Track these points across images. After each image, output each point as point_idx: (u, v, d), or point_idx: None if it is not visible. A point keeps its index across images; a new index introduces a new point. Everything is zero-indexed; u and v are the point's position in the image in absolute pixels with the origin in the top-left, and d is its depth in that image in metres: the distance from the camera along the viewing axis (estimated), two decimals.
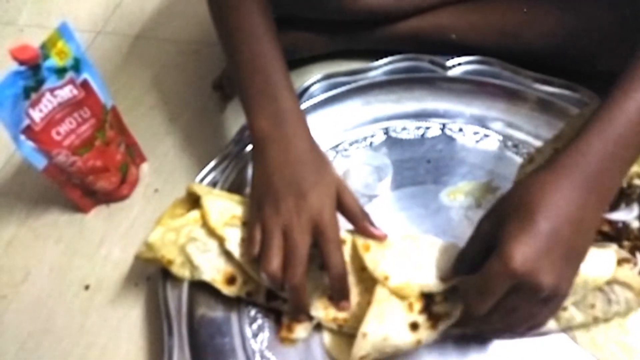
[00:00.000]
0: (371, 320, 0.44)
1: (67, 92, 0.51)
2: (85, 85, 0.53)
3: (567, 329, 0.46)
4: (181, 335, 0.46)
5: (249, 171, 0.57)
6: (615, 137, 0.40)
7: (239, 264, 0.48)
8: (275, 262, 0.43)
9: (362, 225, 0.47)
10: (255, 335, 0.48)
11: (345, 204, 0.47)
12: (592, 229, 0.41)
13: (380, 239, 0.47)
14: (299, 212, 0.44)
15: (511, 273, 0.37)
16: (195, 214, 0.49)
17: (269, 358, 0.47)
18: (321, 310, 0.46)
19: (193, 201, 0.51)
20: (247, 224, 0.48)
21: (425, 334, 0.44)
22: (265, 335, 0.48)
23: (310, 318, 0.47)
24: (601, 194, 0.40)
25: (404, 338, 0.44)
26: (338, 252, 0.45)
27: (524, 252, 0.37)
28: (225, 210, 0.49)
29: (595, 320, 0.45)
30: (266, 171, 0.46)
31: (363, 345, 0.43)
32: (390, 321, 0.44)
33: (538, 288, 0.38)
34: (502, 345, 0.46)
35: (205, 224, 0.48)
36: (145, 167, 0.62)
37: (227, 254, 0.48)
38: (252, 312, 0.49)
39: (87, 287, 0.54)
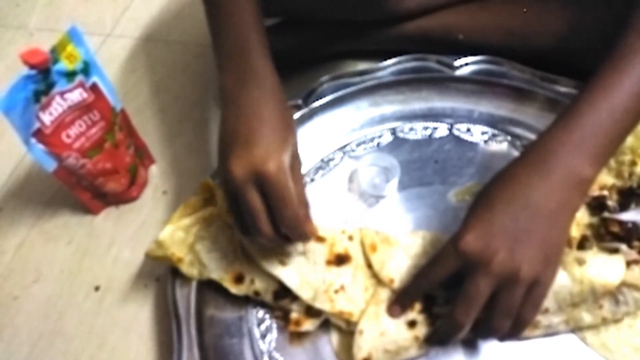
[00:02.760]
0: (368, 318, 0.44)
1: (76, 95, 0.52)
2: (94, 88, 0.53)
3: (577, 329, 0.46)
4: (190, 335, 0.47)
5: None
6: (583, 126, 0.40)
7: (247, 263, 0.48)
8: (239, 227, 0.44)
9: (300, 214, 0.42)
10: (263, 336, 0.49)
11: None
12: (563, 215, 0.40)
13: (307, 233, 0.43)
14: (242, 165, 0.41)
15: (458, 251, 0.40)
16: (204, 212, 0.49)
17: (277, 359, 0.47)
18: (327, 302, 0.46)
19: (203, 201, 0.52)
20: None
21: (423, 330, 0.44)
22: (274, 336, 0.49)
23: (318, 314, 0.47)
24: (570, 181, 0.40)
25: (401, 334, 0.44)
26: (286, 205, 0.41)
27: (474, 233, 0.40)
28: None
29: (604, 321, 0.45)
30: (224, 130, 0.44)
31: (361, 343, 0.44)
32: (387, 319, 0.45)
33: (487, 267, 0.39)
34: (513, 347, 0.46)
35: (217, 214, 0.49)
36: (153, 169, 0.63)
37: (235, 253, 0.49)
38: (260, 313, 0.50)
39: (97, 288, 0.54)
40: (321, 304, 0.46)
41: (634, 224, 0.49)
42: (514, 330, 0.41)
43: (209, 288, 0.49)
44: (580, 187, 0.41)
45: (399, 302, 0.46)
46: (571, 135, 0.40)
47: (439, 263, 0.42)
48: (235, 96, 0.44)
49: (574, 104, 0.42)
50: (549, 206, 0.40)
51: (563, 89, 0.60)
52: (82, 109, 0.52)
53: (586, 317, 0.45)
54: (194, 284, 0.49)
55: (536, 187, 0.40)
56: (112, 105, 0.55)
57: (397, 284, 0.46)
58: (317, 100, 0.62)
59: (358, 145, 0.62)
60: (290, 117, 0.46)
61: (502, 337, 0.43)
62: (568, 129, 0.41)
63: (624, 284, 0.44)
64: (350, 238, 0.50)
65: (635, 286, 0.44)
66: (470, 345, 0.46)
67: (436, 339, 0.44)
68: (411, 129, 0.62)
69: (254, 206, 0.41)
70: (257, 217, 0.42)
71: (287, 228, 0.42)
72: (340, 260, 0.49)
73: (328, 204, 0.57)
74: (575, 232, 0.48)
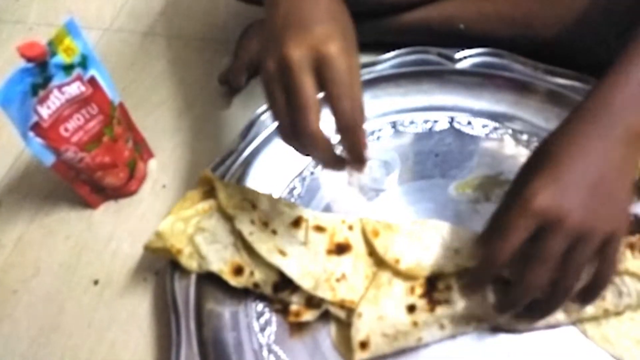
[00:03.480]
0: (367, 302, 0.45)
1: (74, 89, 0.51)
2: (92, 81, 0.53)
3: (577, 321, 0.45)
4: (189, 329, 0.46)
5: (256, 165, 0.57)
6: (633, 80, 0.40)
7: (247, 255, 0.48)
8: (283, 123, 0.37)
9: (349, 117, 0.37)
10: (262, 330, 0.48)
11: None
12: (625, 170, 0.40)
13: (364, 141, 0.38)
14: (298, 44, 0.36)
15: (531, 209, 0.38)
16: (204, 204, 0.49)
17: (277, 352, 0.47)
18: (328, 291, 0.46)
19: (204, 193, 0.52)
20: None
21: (423, 316, 0.44)
22: (273, 329, 0.48)
23: (318, 305, 0.47)
24: (629, 136, 0.40)
25: (400, 318, 0.44)
26: (348, 97, 0.36)
27: (545, 191, 0.38)
28: (237, 194, 0.49)
29: (606, 313, 0.44)
30: (273, 15, 0.39)
31: (359, 326, 0.44)
32: (387, 302, 0.45)
33: (563, 222, 0.37)
34: (513, 340, 0.46)
35: (217, 206, 0.49)
36: (152, 163, 0.63)
37: (235, 245, 0.49)
38: (260, 307, 0.49)
39: (96, 282, 0.54)
40: (322, 293, 0.46)
41: (637, 217, 0.48)
42: (595, 289, 0.41)
43: (208, 281, 0.49)
44: (638, 141, 0.40)
45: (473, 283, 0.43)
46: (624, 90, 0.40)
47: (511, 230, 0.38)
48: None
49: (620, 59, 0.41)
50: (613, 161, 0.39)
51: (566, 82, 0.59)
52: (80, 102, 0.52)
53: (588, 309, 0.44)
54: (193, 277, 0.49)
55: (599, 142, 0.39)
56: (110, 98, 0.55)
57: (403, 263, 0.46)
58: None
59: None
60: (345, 7, 0.40)
61: (584, 299, 0.42)
62: (620, 85, 0.40)
63: (626, 272, 0.43)
64: (350, 228, 0.50)
65: (638, 276, 0.43)
66: (470, 340, 0.46)
67: (508, 304, 0.42)
68: (411, 122, 0.62)
69: (307, 94, 0.35)
70: (308, 109, 0.36)
71: (344, 126, 0.36)
72: (341, 249, 0.49)
73: (327, 197, 0.57)
74: None
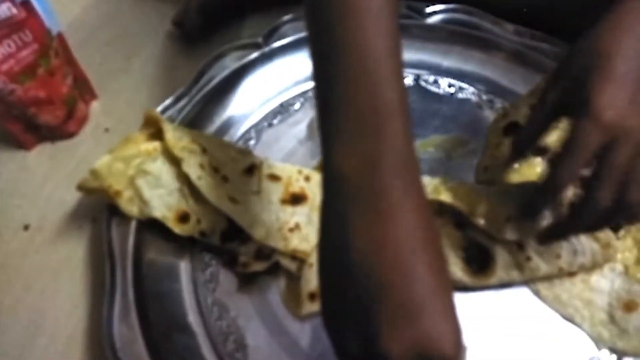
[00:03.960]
0: None
1: (4, 10, 0.46)
2: (26, 5, 0.47)
3: (531, 281, 0.45)
4: (125, 278, 0.43)
5: (209, 110, 0.54)
6: None
7: (194, 202, 0.45)
8: None
9: None
10: (208, 282, 0.46)
11: None
12: None
13: None
14: (394, 336, 0.27)
15: (602, 124, 0.34)
16: (148, 146, 0.46)
17: (222, 306, 0.44)
18: (280, 241, 0.44)
19: (148, 136, 0.48)
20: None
21: None
22: (219, 282, 0.46)
23: (267, 257, 0.44)
24: None
25: None
26: None
27: (611, 101, 0.35)
28: (186, 137, 0.46)
29: (560, 272, 0.44)
30: (341, 252, 0.28)
31: (309, 276, 0.42)
32: None
33: (630, 132, 0.34)
34: (463, 298, 0.45)
35: (162, 148, 0.46)
36: (96, 105, 0.58)
37: (181, 191, 0.45)
38: (206, 258, 0.46)
39: (26, 227, 0.49)
40: (274, 242, 0.44)
41: None
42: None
43: (150, 229, 0.46)
44: None
45: (538, 204, 0.39)
46: None
47: (582, 146, 0.35)
48: (365, 190, 0.28)
49: None
50: None
51: (534, 43, 0.58)
52: (11, 26, 0.47)
53: (542, 267, 0.44)
54: (132, 224, 0.46)
55: None
56: (47, 27, 0.49)
57: None
58: (279, 40, 0.58)
59: None
60: (432, 220, 0.30)
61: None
62: None
63: None
64: (307, 178, 0.47)
65: (593, 235, 0.43)
66: None
67: (574, 225, 0.39)
68: None
69: None
70: None
71: None
72: (296, 199, 0.46)
73: (284, 150, 0.54)
74: None
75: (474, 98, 0.58)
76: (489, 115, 0.56)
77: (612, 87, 0.35)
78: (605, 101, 0.35)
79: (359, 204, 0.28)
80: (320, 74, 0.32)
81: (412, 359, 0.27)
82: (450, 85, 0.59)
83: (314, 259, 0.43)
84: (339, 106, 0.30)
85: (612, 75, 0.36)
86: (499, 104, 0.57)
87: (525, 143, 0.43)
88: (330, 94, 0.30)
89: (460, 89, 0.58)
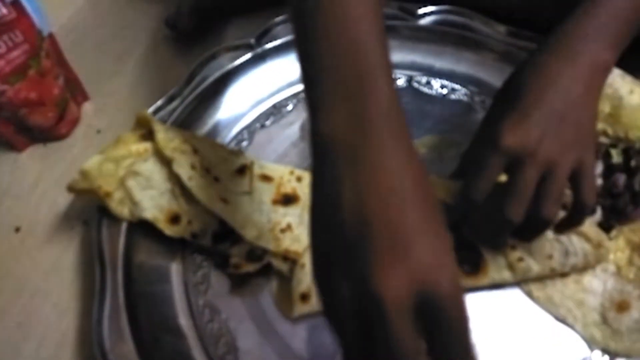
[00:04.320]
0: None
1: None
2: (16, 5, 0.47)
3: (523, 281, 0.45)
4: (116, 280, 0.43)
5: (201, 112, 0.53)
6: (602, 13, 0.41)
7: (185, 203, 0.45)
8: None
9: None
10: (199, 284, 0.45)
11: None
12: (589, 100, 0.41)
13: None
14: (389, 274, 0.26)
15: (502, 147, 0.38)
16: (139, 146, 0.45)
17: (213, 308, 0.44)
18: (272, 241, 0.44)
19: (139, 137, 0.48)
20: (325, 305, 0.30)
21: None
22: (210, 284, 0.45)
23: (259, 258, 0.44)
24: (593, 66, 0.41)
25: None
26: (461, 348, 0.27)
27: (513, 129, 0.38)
28: (177, 136, 0.46)
29: (552, 272, 0.44)
30: (333, 208, 0.28)
31: (301, 277, 0.42)
32: None
33: (533, 155, 0.38)
34: None
35: (153, 149, 0.45)
36: (87, 107, 0.57)
37: (172, 193, 0.45)
38: (197, 260, 0.46)
39: (17, 230, 0.49)
40: (266, 243, 0.44)
41: None
42: (577, 215, 0.41)
43: (141, 232, 0.45)
44: (603, 72, 0.42)
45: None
46: (593, 22, 0.41)
47: (484, 169, 0.39)
48: (352, 147, 0.28)
49: None
50: (578, 91, 0.40)
51: (526, 44, 0.58)
52: (1, 27, 0.46)
53: (534, 267, 0.43)
54: (123, 227, 0.45)
55: (565, 73, 0.40)
56: (38, 27, 0.49)
57: None
58: (271, 42, 0.58)
59: None
60: (424, 173, 0.30)
61: (561, 228, 0.43)
62: (589, 16, 0.41)
63: (574, 232, 0.43)
64: (299, 179, 0.47)
65: (585, 235, 0.43)
66: None
67: (486, 240, 0.43)
68: None
69: (408, 345, 0.26)
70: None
71: None
72: (288, 200, 0.46)
73: (277, 151, 0.54)
74: None
75: (466, 99, 0.58)
76: (481, 116, 0.56)
77: (519, 118, 0.39)
78: (508, 128, 0.39)
79: (349, 162, 0.28)
80: (303, 49, 0.32)
81: (407, 298, 0.26)
82: (442, 87, 0.59)
83: (305, 259, 0.43)
84: (323, 72, 0.30)
85: (522, 108, 0.39)
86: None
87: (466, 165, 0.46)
88: (314, 62, 0.30)
89: (453, 90, 0.58)
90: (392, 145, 0.28)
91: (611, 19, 0.41)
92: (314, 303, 0.42)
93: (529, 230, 0.42)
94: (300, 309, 0.42)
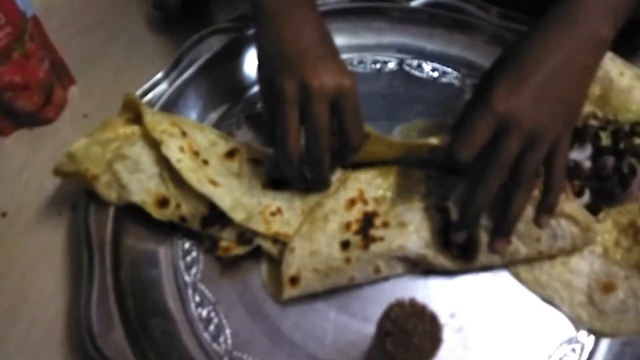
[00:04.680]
0: (300, 237, 0.43)
1: None
2: None
3: (511, 263, 0.45)
4: (103, 264, 0.43)
5: (189, 95, 0.53)
6: None
7: (174, 186, 0.44)
8: (292, 140, 0.41)
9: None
10: (188, 268, 0.45)
11: None
12: (584, 75, 0.42)
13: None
14: (317, 74, 0.40)
15: (493, 110, 0.39)
16: (126, 129, 0.45)
17: (202, 291, 0.44)
18: (262, 224, 0.44)
19: (127, 120, 0.47)
20: (262, 103, 0.48)
21: (355, 253, 0.43)
22: (200, 268, 0.45)
23: (249, 241, 0.44)
24: (592, 42, 0.41)
25: (333, 254, 0.43)
26: (359, 126, 0.42)
27: (507, 94, 0.39)
28: (165, 119, 0.45)
29: (540, 255, 0.44)
30: (276, 42, 0.42)
31: (290, 260, 0.42)
32: (321, 238, 0.43)
33: (519, 125, 0.38)
34: (444, 284, 0.45)
35: (141, 132, 0.45)
36: (74, 90, 0.57)
37: (161, 176, 0.45)
38: (187, 245, 0.46)
39: (4, 215, 0.49)
40: (255, 226, 0.44)
41: (576, 162, 0.48)
42: (548, 199, 0.42)
43: (129, 216, 0.45)
44: (600, 48, 0.42)
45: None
46: None
47: (475, 130, 0.39)
48: (285, 10, 0.43)
49: None
50: (575, 67, 0.40)
51: (518, 26, 0.57)
52: None
53: (522, 249, 0.44)
54: (111, 211, 0.45)
55: (563, 47, 0.40)
56: (21, 9, 0.48)
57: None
58: None
59: None
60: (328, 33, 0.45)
61: (540, 213, 0.42)
62: None
63: (562, 214, 0.43)
64: None
65: (573, 218, 0.43)
66: (405, 280, 0.45)
67: (466, 213, 0.42)
68: (360, 62, 0.59)
69: (324, 122, 0.41)
70: (323, 136, 0.41)
71: (351, 149, 0.43)
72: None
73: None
74: None
75: (457, 82, 0.57)
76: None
77: (515, 85, 0.39)
78: (502, 94, 0.39)
79: (281, 19, 0.43)
80: None
81: (327, 90, 0.40)
82: (433, 70, 0.58)
83: (295, 243, 0.43)
84: None
85: (518, 74, 0.40)
86: None
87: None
88: None
89: (444, 73, 0.58)
90: (308, 12, 0.44)
91: None
92: (303, 285, 0.42)
93: (501, 214, 0.42)
94: (290, 291, 0.42)
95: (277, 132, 0.42)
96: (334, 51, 0.43)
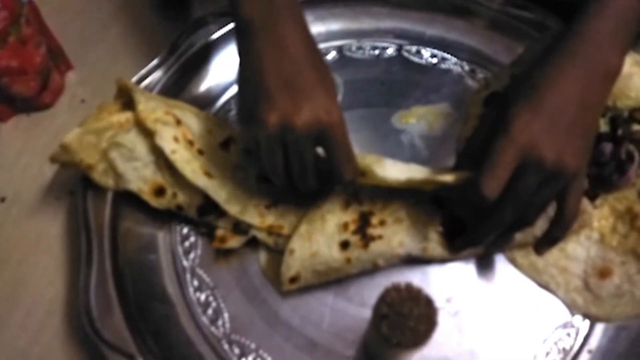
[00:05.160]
0: (299, 238, 0.43)
1: None
2: None
3: (507, 250, 0.45)
4: (102, 249, 0.43)
5: (187, 80, 0.53)
6: (614, 16, 0.40)
7: (169, 175, 0.44)
8: (279, 176, 0.40)
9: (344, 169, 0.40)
10: (187, 253, 0.46)
11: None
12: (597, 107, 0.41)
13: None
14: (300, 110, 0.38)
15: (516, 145, 0.38)
16: (120, 117, 0.45)
17: (201, 276, 0.44)
18: (257, 217, 0.44)
19: (121, 106, 0.47)
20: (240, 134, 0.46)
21: (355, 252, 0.43)
22: (198, 253, 0.46)
23: (244, 232, 0.44)
24: (605, 73, 0.41)
25: (333, 255, 0.43)
26: (349, 160, 0.40)
27: (528, 126, 0.39)
28: (159, 107, 0.45)
29: (535, 240, 0.44)
30: (256, 69, 0.39)
31: (291, 262, 0.42)
32: (320, 238, 0.43)
33: (542, 161, 0.38)
34: (440, 269, 0.45)
35: (135, 119, 0.44)
36: (71, 76, 0.56)
37: (156, 164, 0.45)
38: (185, 230, 0.46)
39: (3, 200, 0.49)
40: (250, 218, 0.44)
41: None
42: (557, 232, 0.41)
43: (127, 201, 0.45)
44: (612, 79, 0.42)
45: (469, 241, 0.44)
46: (605, 25, 0.41)
47: (501, 165, 0.38)
48: (265, 27, 0.39)
49: None
50: (590, 99, 0.40)
51: (517, 12, 0.57)
52: None
53: (518, 236, 0.44)
54: (109, 196, 0.45)
55: (578, 79, 0.40)
56: None
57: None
58: None
59: None
60: (320, 52, 0.43)
61: (541, 245, 0.43)
62: (600, 18, 0.41)
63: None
64: None
65: None
66: (400, 267, 0.45)
67: (470, 240, 0.43)
68: (359, 48, 0.58)
69: (308, 162, 0.39)
70: (307, 175, 0.40)
71: (346, 182, 0.41)
72: None
73: None
74: None
75: (456, 68, 0.57)
76: (472, 85, 0.56)
77: (533, 116, 0.39)
78: (523, 126, 0.39)
79: (263, 37, 0.40)
80: None
81: (310, 127, 0.38)
82: (433, 56, 0.58)
83: (294, 244, 0.43)
84: None
85: (537, 106, 0.39)
86: (481, 74, 0.56)
87: (467, 158, 0.46)
88: None
89: (443, 59, 0.58)
90: (292, 27, 0.40)
91: (620, 22, 0.41)
92: (302, 283, 0.43)
93: (510, 230, 0.43)
94: (289, 287, 0.43)
95: (263, 165, 0.41)
96: (320, 73, 0.40)
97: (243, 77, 0.41)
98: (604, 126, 0.50)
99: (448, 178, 0.41)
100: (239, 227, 0.45)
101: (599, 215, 0.47)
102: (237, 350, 0.41)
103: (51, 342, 0.42)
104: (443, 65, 0.57)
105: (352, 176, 0.41)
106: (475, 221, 0.42)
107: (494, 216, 0.40)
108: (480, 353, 0.42)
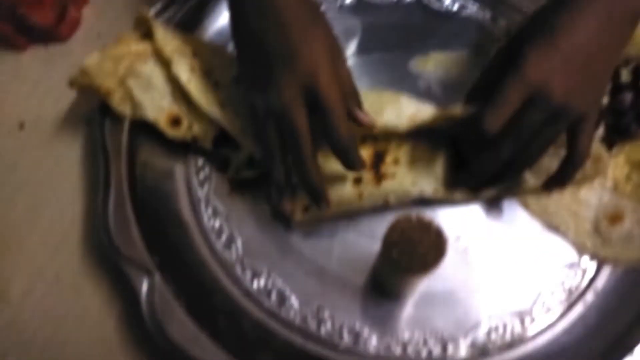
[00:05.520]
0: None
1: None
2: None
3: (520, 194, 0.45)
4: (119, 173, 0.43)
5: (204, 15, 0.52)
6: None
7: (185, 106, 0.44)
8: (276, 168, 0.40)
9: (349, 108, 0.40)
10: (201, 184, 0.46)
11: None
12: (616, 50, 0.41)
13: (367, 126, 0.41)
14: (288, 82, 0.37)
15: (526, 81, 0.38)
16: (138, 46, 0.45)
17: (215, 205, 0.45)
18: None
19: (140, 37, 0.47)
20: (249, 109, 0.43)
21: (368, 188, 0.43)
22: (212, 184, 0.46)
23: (258, 165, 0.45)
24: (626, 14, 0.40)
25: (346, 190, 0.43)
26: (342, 123, 0.38)
27: (540, 64, 0.38)
28: (176, 39, 0.45)
29: None
30: (246, 35, 0.39)
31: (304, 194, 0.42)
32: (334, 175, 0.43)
33: (549, 98, 0.38)
34: (450, 208, 0.46)
35: (153, 50, 0.45)
36: (88, 10, 0.56)
37: (173, 95, 0.45)
38: (200, 162, 0.47)
39: (22, 126, 0.50)
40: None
41: None
42: (566, 172, 0.41)
43: (144, 131, 0.46)
44: (633, 21, 0.40)
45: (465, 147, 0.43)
46: None
47: (507, 99, 0.38)
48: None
49: None
50: (608, 42, 0.39)
51: None
52: None
53: (531, 181, 0.44)
54: (125, 125, 0.45)
55: (596, 19, 0.39)
56: None
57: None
58: None
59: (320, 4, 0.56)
60: (317, 4, 0.41)
61: (549, 183, 0.43)
62: None
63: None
64: None
65: None
66: (410, 210, 0.45)
67: (474, 174, 0.43)
68: None
69: (300, 127, 0.37)
70: (303, 143, 0.38)
71: (340, 150, 0.39)
72: None
73: None
74: None
75: (477, 16, 0.56)
76: (493, 33, 0.55)
77: (547, 53, 0.38)
78: (535, 62, 0.38)
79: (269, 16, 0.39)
80: None
81: (299, 97, 0.37)
82: (453, 2, 0.57)
83: None
84: None
85: (552, 45, 0.38)
86: (502, 22, 0.55)
87: (477, 94, 0.45)
88: None
89: (463, 7, 0.57)
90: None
91: None
92: (312, 213, 0.43)
93: (512, 168, 0.42)
94: (299, 216, 0.43)
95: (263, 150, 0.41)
96: (309, 32, 0.39)
97: (238, 45, 0.41)
98: (625, 76, 0.49)
99: (456, 111, 0.41)
100: (253, 160, 0.45)
101: (614, 164, 0.47)
102: (249, 273, 0.42)
103: (68, 260, 0.44)
104: (464, 13, 0.56)
105: (347, 143, 0.38)
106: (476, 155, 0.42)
107: (492, 149, 0.40)
108: (485, 289, 0.43)
